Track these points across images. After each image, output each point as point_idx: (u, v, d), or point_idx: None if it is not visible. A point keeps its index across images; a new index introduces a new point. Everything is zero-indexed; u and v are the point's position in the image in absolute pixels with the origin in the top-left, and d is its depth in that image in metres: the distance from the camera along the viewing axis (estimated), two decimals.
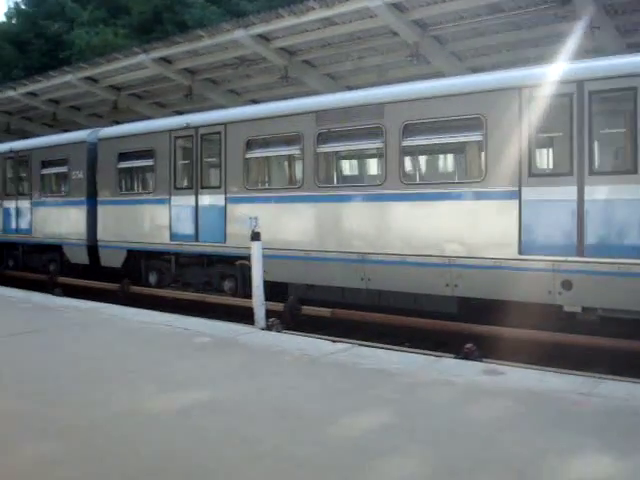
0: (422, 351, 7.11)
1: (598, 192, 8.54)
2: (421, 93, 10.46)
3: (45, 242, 17.24)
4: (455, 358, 6.82)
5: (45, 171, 17.45)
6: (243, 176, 12.48)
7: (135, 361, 5.72)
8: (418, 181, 10.90)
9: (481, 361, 6.34)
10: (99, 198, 15.51)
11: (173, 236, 13.71)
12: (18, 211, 18.12)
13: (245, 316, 10.43)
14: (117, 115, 22.61)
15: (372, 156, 12.32)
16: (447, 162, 12.29)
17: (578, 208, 8.63)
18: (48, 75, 21.98)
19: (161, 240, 13.92)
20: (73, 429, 4.01)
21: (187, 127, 13.65)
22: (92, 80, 20.99)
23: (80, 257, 16.00)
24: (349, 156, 12.79)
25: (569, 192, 8.71)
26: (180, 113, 20.03)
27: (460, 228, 9.68)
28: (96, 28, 35.08)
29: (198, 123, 13.46)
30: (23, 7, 46.62)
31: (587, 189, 8.60)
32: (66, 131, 20.97)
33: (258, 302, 9.09)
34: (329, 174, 11.87)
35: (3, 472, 3.34)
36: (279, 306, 10.80)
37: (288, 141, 12.07)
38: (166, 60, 18.61)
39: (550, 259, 8.80)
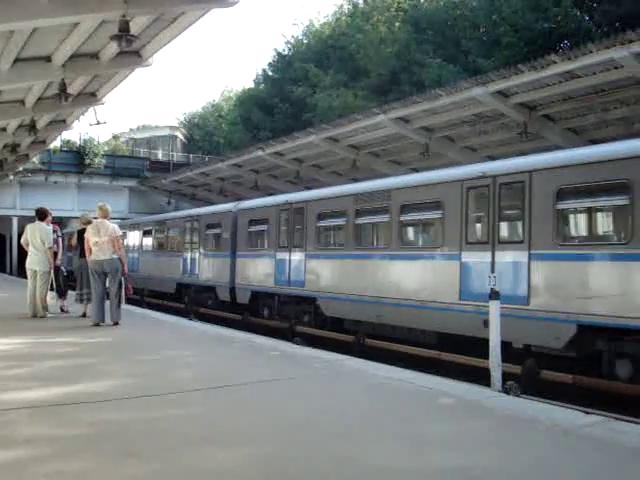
0: None
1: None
2: (411, 183, 14.75)
3: (203, 284, 23.06)
4: None
5: (208, 232, 23.19)
6: (315, 237, 17.16)
7: (382, 418, 5.75)
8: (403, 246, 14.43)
9: None
10: (237, 252, 20.90)
11: (276, 281, 18.48)
12: (192, 260, 23.96)
13: (464, 372, 10.71)
14: (355, 173, 23.51)
15: (383, 226, 15.30)
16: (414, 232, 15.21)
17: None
18: (293, 136, 23.47)
19: (269, 284, 18.79)
20: (326, 478, 4.15)
21: (286, 203, 18.51)
22: (333, 140, 22.07)
23: (225, 295, 21.29)
24: (369, 226, 16.27)
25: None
26: (416, 170, 20.43)
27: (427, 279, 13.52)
28: (337, 91, 36.82)
29: (295, 200, 18.38)
30: (270, 73, 50.20)
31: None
32: (308, 188, 22.10)
33: (495, 363, 8.88)
34: (363, 240, 16.06)
35: None
36: (514, 368, 10.50)
37: (338, 215, 16.34)
38: (404, 119, 19.15)
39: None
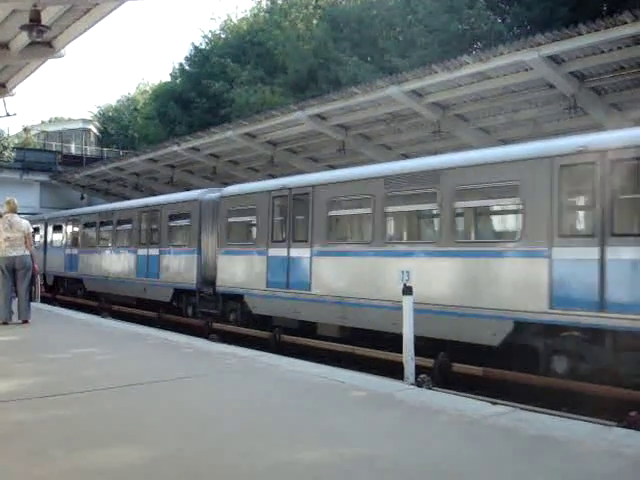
0: (588, 418, 6.79)
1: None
2: (121, 207, 25.20)
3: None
4: (617, 426, 6.47)
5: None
6: (82, 239, 26.84)
7: (293, 412, 5.81)
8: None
9: None
10: (47, 247, 29.94)
11: (65, 269, 27.57)
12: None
13: (380, 367, 10.95)
14: (273, 169, 23.43)
15: (111, 232, 24.99)
16: None
17: None
18: (210, 131, 23.21)
19: (62, 270, 27.90)
20: (236, 475, 4.15)
21: (71, 215, 28.41)
22: (250, 136, 21.94)
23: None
24: (106, 232, 25.45)
25: None
26: (333, 167, 20.56)
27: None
28: (254, 86, 36.66)
29: (76, 213, 28.45)
30: (187, 68, 49.51)
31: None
32: (226, 185, 21.91)
33: (408, 357, 9.02)
34: (102, 241, 25.62)
35: None
36: (427, 362, 10.72)
37: (91, 225, 26.44)
38: (321, 116, 19.19)
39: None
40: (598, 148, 9.77)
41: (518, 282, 10.44)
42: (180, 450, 4.58)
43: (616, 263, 9.27)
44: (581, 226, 10.32)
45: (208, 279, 17.85)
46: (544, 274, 9.98)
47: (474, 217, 12.03)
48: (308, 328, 14.70)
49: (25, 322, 12.25)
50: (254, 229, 16.41)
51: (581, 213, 10.49)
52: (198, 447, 4.66)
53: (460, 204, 11.65)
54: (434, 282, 11.63)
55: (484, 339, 10.70)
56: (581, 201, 10.53)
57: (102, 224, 24.65)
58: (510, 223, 11.91)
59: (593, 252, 9.45)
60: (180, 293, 19.20)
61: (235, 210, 17.04)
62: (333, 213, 14.15)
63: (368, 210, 13.22)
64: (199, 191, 20.04)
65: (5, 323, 12.09)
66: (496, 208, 12.24)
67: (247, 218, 16.82)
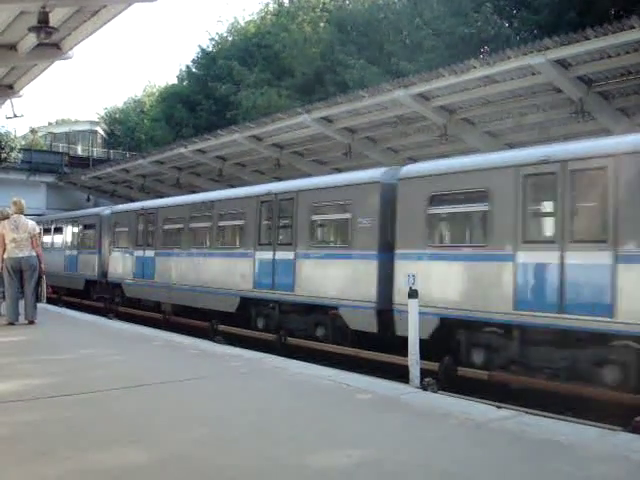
0: (594, 423, 6.78)
1: None
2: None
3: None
4: (623, 431, 6.46)
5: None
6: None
7: (301, 415, 5.83)
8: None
9: None
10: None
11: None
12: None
13: (384, 370, 10.92)
14: (279, 172, 23.40)
15: None
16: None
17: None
18: (216, 134, 23.21)
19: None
20: (245, 477, 4.17)
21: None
22: (257, 139, 21.93)
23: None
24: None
25: None
26: (339, 171, 20.55)
27: None
28: (261, 89, 36.66)
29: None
30: (194, 70, 49.55)
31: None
32: (232, 186, 21.94)
33: (413, 360, 9.00)
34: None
35: None
36: (433, 365, 10.71)
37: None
38: (327, 119, 19.17)
39: None
40: (297, 190, 15.57)
41: (242, 273, 16.64)
42: (187, 451, 4.60)
43: (301, 261, 14.94)
44: (285, 238, 15.87)
45: (105, 272, 24.45)
46: (249, 268, 16.48)
47: (229, 231, 18.62)
48: (157, 305, 21.28)
49: (31, 323, 12.29)
50: (127, 236, 23.27)
51: (285, 230, 15.96)
52: (205, 449, 4.68)
53: (222, 223, 18.26)
54: (211, 273, 18.12)
55: (228, 308, 17.01)
56: (285, 223, 15.96)
57: (45, 231, 29.42)
58: (240, 235, 17.63)
59: (291, 255, 15.21)
60: (89, 283, 26.00)
61: (118, 223, 24.12)
62: (166, 227, 21.04)
63: (182, 225, 20.05)
64: (100, 208, 28.14)
65: (12, 324, 12.12)
66: (236, 226, 17.94)
67: (124, 228, 23.56)
